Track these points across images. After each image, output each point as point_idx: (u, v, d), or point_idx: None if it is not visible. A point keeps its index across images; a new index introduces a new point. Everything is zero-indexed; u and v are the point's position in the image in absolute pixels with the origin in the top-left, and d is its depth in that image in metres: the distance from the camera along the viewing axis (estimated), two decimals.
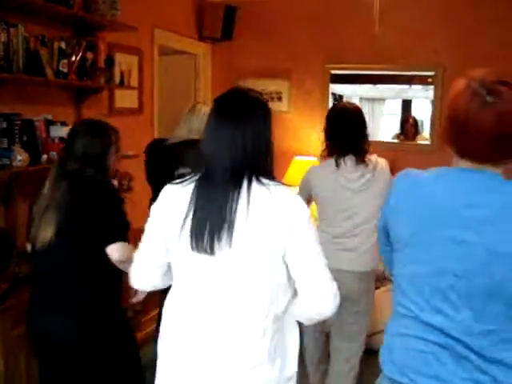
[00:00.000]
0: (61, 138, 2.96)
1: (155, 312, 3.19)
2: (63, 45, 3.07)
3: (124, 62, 3.75)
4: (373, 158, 2.65)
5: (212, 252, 1.48)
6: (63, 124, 3.08)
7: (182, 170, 2.59)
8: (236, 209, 1.46)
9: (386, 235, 1.57)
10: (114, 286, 2.24)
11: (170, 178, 1.72)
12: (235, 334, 1.52)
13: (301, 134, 5.03)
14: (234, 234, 1.46)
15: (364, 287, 2.69)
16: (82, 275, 2.15)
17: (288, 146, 4.93)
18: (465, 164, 1.40)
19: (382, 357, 1.51)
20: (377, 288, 3.62)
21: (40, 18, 3.02)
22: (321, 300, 1.53)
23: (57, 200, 2.13)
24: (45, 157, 2.95)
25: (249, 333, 1.52)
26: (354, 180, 2.61)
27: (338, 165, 2.62)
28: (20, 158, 2.75)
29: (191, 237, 1.49)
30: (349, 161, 2.61)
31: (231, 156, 1.50)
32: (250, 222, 1.46)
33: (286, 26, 4.92)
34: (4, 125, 2.76)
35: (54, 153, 2.98)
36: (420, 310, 1.41)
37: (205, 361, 1.54)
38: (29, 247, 2.27)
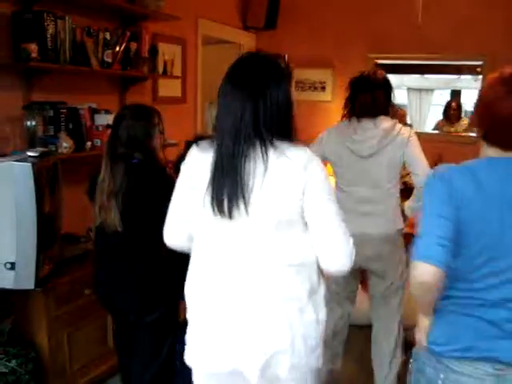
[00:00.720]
0: (108, 125, 3.04)
1: None
2: (108, 35, 3.16)
3: (167, 51, 3.81)
4: (390, 123, 2.62)
5: (231, 217, 1.54)
6: (107, 112, 3.17)
7: None
8: (250, 175, 1.50)
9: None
10: (175, 267, 2.24)
11: None
12: (260, 292, 1.57)
13: None
14: (251, 199, 1.51)
15: (388, 249, 2.69)
16: (143, 257, 2.27)
17: None
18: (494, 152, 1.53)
19: None
20: None
21: (86, 10, 3.11)
22: (335, 256, 1.56)
23: (117, 186, 2.22)
24: (89, 144, 3.06)
25: (274, 283, 1.57)
26: (361, 144, 2.62)
27: (348, 127, 2.67)
28: (66, 144, 2.87)
29: (212, 203, 1.55)
30: (361, 124, 2.63)
31: (243, 124, 1.51)
32: (266, 187, 1.51)
33: (330, 15, 4.89)
34: (51, 113, 2.88)
35: (98, 140, 3.09)
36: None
37: (233, 314, 1.60)
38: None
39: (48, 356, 2.63)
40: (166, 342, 2.41)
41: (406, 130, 2.64)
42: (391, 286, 2.80)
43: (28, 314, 2.62)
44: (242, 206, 1.52)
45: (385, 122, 2.62)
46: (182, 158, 2.98)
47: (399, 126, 2.64)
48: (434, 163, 4.48)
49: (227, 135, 1.53)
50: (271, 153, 1.51)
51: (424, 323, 1.65)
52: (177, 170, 2.81)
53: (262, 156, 1.50)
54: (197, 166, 1.63)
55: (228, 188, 1.52)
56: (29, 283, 2.28)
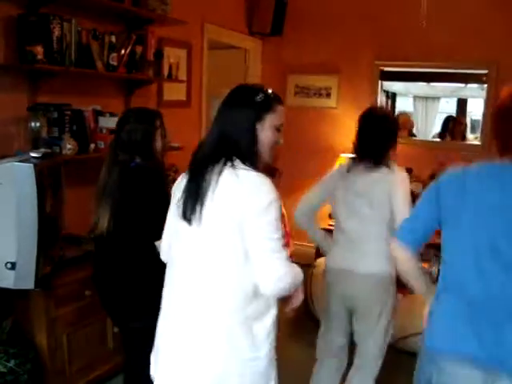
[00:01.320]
0: (111, 131, 3.05)
1: None
2: (113, 39, 3.18)
3: (172, 55, 3.83)
4: (392, 168, 2.53)
5: (190, 223, 1.65)
6: (112, 115, 3.18)
7: None
8: (206, 189, 1.61)
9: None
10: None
11: None
12: (204, 301, 1.64)
13: (348, 131, 4.98)
14: (203, 210, 1.62)
15: (371, 291, 2.56)
16: (132, 262, 2.25)
17: (336, 142, 4.92)
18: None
19: None
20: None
21: (92, 13, 3.14)
22: (263, 280, 1.59)
23: (109, 189, 2.24)
24: (92, 146, 3.07)
25: (217, 304, 1.62)
26: (360, 183, 2.54)
27: (350, 167, 2.60)
28: (69, 146, 2.89)
29: (180, 209, 1.69)
30: (362, 165, 2.55)
31: (211, 143, 1.67)
32: (215, 202, 1.60)
33: (336, 22, 4.90)
34: (55, 114, 2.90)
35: (102, 142, 3.11)
36: None
37: (177, 316, 1.70)
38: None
39: (47, 356, 2.64)
40: None
41: (399, 175, 2.52)
42: (372, 347, 2.63)
43: (28, 314, 2.63)
44: (197, 214, 1.63)
45: (382, 168, 2.53)
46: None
47: (395, 168, 2.54)
48: (435, 171, 4.50)
49: (202, 152, 1.70)
50: (226, 171, 1.61)
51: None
52: None
53: (219, 172, 1.61)
54: (181, 183, 1.77)
55: (190, 198, 1.65)
56: (29, 283, 2.28)
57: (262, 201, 1.58)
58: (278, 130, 1.72)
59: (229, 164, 1.62)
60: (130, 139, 2.29)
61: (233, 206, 1.58)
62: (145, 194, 2.21)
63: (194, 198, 1.64)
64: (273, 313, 1.69)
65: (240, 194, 1.58)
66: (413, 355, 3.50)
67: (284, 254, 1.62)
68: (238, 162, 1.62)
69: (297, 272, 1.70)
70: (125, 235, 2.25)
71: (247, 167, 1.62)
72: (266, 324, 1.67)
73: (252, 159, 1.65)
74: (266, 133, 1.68)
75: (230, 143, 1.64)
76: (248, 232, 1.58)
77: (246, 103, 1.67)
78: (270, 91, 1.72)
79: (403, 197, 2.48)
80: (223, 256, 1.61)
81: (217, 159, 1.63)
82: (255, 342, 1.63)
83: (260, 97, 1.67)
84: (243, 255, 1.60)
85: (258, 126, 1.67)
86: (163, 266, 2.14)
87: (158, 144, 2.37)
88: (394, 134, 2.62)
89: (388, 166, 2.53)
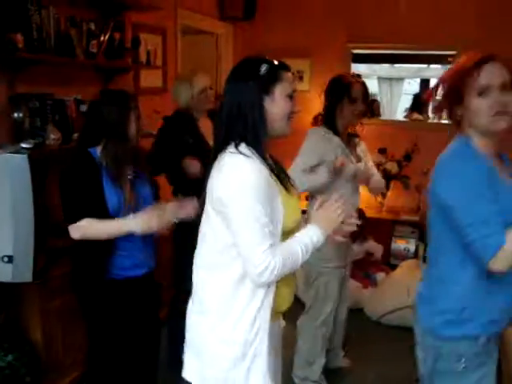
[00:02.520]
0: (83, 113, 3.01)
1: None
2: (92, 26, 3.12)
3: (149, 42, 3.79)
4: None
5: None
6: None
7: None
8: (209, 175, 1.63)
9: None
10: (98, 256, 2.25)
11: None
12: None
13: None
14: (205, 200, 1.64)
15: None
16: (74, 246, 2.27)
17: (309, 124, 4.96)
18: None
19: None
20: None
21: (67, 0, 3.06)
22: (247, 273, 1.55)
23: None
24: (75, 135, 3.02)
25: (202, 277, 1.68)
26: None
27: None
28: (53, 136, 2.83)
29: None
30: None
31: (218, 125, 1.66)
32: (207, 192, 1.62)
33: (308, 5, 4.93)
34: (37, 104, 2.83)
35: None
36: None
37: None
38: None
39: (42, 349, 2.62)
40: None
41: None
42: None
43: (21, 307, 2.60)
44: (203, 203, 1.67)
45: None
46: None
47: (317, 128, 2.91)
48: (409, 151, 4.62)
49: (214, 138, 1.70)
50: (219, 157, 1.59)
51: None
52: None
53: (215, 159, 1.62)
54: None
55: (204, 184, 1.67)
56: (27, 276, 2.26)
57: (233, 186, 1.49)
58: (290, 97, 1.61)
59: (225, 148, 1.58)
60: (103, 121, 2.16)
61: (214, 197, 1.54)
62: (63, 182, 2.20)
63: (204, 186, 1.65)
64: (258, 300, 1.59)
65: (217, 182, 1.54)
66: (392, 328, 3.64)
67: (266, 244, 1.49)
68: (231, 146, 1.57)
69: (297, 248, 1.56)
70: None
71: (237, 150, 1.54)
72: (250, 310, 1.59)
73: (256, 139, 1.56)
74: (278, 104, 1.59)
75: (239, 124, 1.57)
76: (228, 221, 1.52)
77: (250, 78, 1.56)
78: (274, 60, 1.61)
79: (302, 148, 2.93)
80: (213, 246, 1.62)
81: (220, 145, 1.61)
82: (235, 325, 1.59)
83: (264, 69, 1.57)
84: (230, 247, 1.57)
85: (268, 100, 1.57)
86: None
87: (133, 127, 2.21)
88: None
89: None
